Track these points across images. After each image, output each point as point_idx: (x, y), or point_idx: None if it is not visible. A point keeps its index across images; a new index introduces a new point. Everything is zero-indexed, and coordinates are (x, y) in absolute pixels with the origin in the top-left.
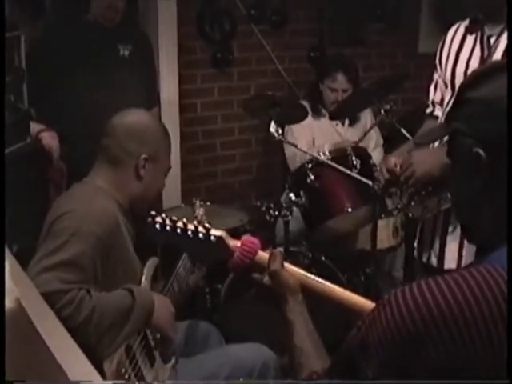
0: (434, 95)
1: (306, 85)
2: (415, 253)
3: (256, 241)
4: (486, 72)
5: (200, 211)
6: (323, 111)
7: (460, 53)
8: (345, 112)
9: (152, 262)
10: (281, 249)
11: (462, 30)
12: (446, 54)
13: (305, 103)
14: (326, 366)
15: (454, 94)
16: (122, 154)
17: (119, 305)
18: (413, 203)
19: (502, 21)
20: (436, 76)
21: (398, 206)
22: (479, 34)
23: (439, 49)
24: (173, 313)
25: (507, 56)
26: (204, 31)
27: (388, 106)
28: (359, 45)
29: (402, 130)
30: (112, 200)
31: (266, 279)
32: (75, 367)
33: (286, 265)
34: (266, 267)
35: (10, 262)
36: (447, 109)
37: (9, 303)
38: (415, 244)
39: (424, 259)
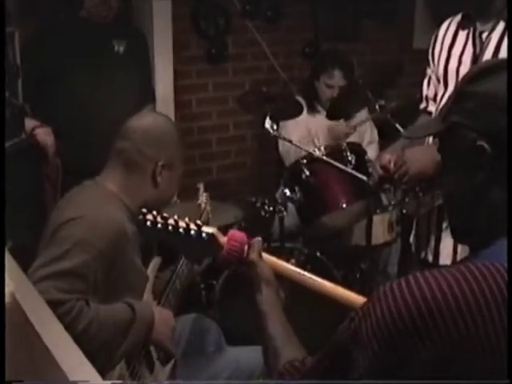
0: (427, 90)
1: (300, 81)
2: (412, 249)
3: (242, 237)
4: (491, 67)
5: (203, 198)
6: (319, 107)
7: (452, 48)
8: (342, 112)
9: (155, 262)
10: (259, 238)
11: (454, 26)
12: (439, 50)
13: (300, 99)
14: (300, 355)
15: (454, 89)
16: (140, 158)
17: (119, 318)
18: (407, 200)
19: (494, 17)
20: (429, 71)
21: (392, 203)
22: (471, 29)
23: (432, 44)
24: (173, 327)
25: (507, 54)
26: (199, 27)
27: (383, 102)
28: (354, 40)
29: (397, 126)
30: (122, 207)
31: (244, 269)
32: (70, 360)
33: (266, 256)
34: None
35: (5, 258)
36: (441, 104)
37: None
38: (411, 240)
39: (420, 255)
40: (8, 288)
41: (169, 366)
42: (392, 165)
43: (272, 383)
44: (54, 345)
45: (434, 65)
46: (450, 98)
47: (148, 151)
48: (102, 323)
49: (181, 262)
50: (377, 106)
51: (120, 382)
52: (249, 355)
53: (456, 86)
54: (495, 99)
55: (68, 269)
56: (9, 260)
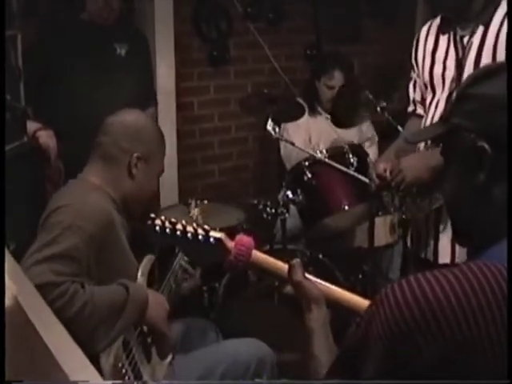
0: (413, 94)
1: (302, 83)
2: (409, 250)
3: (249, 242)
4: (490, 70)
5: (195, 211)
6: (319, 109)
7: (435, 53)
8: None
9: (148, 260)
10: (298, 259)
11: (434, 30)
12: (422, 55)
13: (301, 101)
14: None
15: (455, 92)
16: (116, 150)
17: (113, 299)
18: (403, 208)
19: (473, 20)
20: (414, 75)
21: (391, 210)
22: (451, 33)
23: (414, 48)
24: (167, 310)
25: (506, 54)
26: (200, 29)
27: (384, 104)
28: (355, 42)
29: (399, 128)
30: (107, 197)
31: (289, 289)
32: (72, 362)
33: (307, 275)
34: (285, 277)
35: (7, 260)
36: (431, 109)
37: (6, 300)
38: (408, 243)
39: (421, 255)
40: (10, 291)
41: (167, 361)
42: (388, 173)
43: (270, 383)
44: (56, 347)
45: (418, 69)
46: (450, 101)
47: (123, 143)
48: (96, 304)
49: (176, 260)
50: (378, 108)
51: (120, 382)
52: (245, 348)
53: (456, 90)
54: (495, 101)
55: (60, 252)
56: (11, 262)
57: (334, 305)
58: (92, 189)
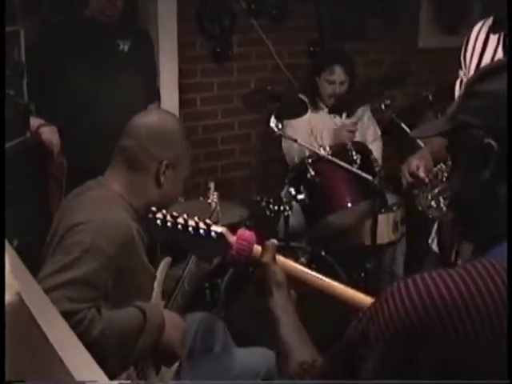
0: (459, 92)
1: (303, 79)
2: (435, 250)
3: (251, 236)
4: (497, 67)
5: (214, 197)
6: (321, 104)
7: (484, 53)
8: (344, 106)
9: (165, 263)
10: (274, 240)
11: (485, 29)
12: (470, 54)
13: (303, 97)
14: (311, 358)
15: (462, 89)
16: (144, 157)
17: (131, 324)
18: (434, 204)
19: None
20: (461, 73)
21: (420, 208)
22: (502, 34)
23: (463, 46)
24: (182, 329)
25: (508, 54)
26: (204, 26)
27: (388, 101)
28: (359, 40)
29: (402, 125)
30: (128, 207)
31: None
32: (76, 360)
33: (281, 259)
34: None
35: (10, 256)
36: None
37: (9, 297)
38: (429, 241)
39: (445, 257)
40: (12, 288)
41: (174, 367)
42: (422, 170)
43: (276, 383)
44: (61, 345)
45: (465, 67)
46: (458, 97)
47: (152, 149)
48: (114, 330)
49: (190, 262)
50: (382, 106)
51: (128, 382)
52: (255, 357)
53: (463, 87)
54: (501, 97)
55: (78, 277)
56: (14, 259)
57: (335, 300)
58: (111, 198)
